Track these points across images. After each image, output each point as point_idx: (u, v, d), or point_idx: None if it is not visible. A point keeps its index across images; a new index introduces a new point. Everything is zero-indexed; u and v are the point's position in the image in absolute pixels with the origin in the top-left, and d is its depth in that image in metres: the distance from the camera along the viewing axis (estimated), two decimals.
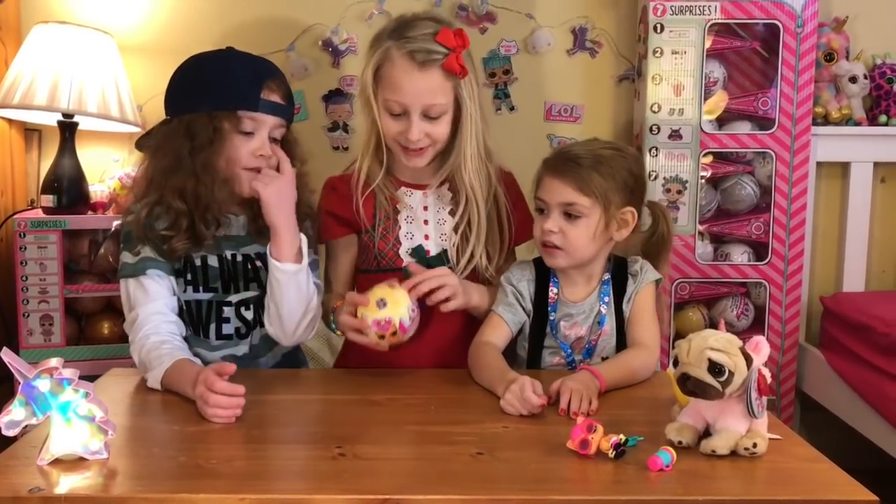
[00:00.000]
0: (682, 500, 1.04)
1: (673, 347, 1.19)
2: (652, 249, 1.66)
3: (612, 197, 1.51)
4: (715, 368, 1.13)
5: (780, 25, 2.23)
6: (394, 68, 1.54)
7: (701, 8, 2.22)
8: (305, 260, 1.52)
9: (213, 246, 1.59)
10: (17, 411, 1.10)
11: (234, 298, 1.61)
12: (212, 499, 1.03)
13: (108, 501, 1.04)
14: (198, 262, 1.59)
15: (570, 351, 1.58)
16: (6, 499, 1.02)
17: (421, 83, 1.53)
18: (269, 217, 1.51)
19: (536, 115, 2.42)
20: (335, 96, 2.39)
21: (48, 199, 2.13)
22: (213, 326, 1.61)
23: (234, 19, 2.35)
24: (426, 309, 1.52)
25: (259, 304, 1.60)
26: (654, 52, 2.23)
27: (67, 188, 2.14)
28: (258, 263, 1.61)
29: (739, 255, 2.34)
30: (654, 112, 2.25)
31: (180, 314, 1.58)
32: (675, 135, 2.25)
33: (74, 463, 1.11)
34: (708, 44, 2.24)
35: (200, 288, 1.60)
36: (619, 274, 1.60)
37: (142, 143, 1.65)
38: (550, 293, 1.59)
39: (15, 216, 2.14)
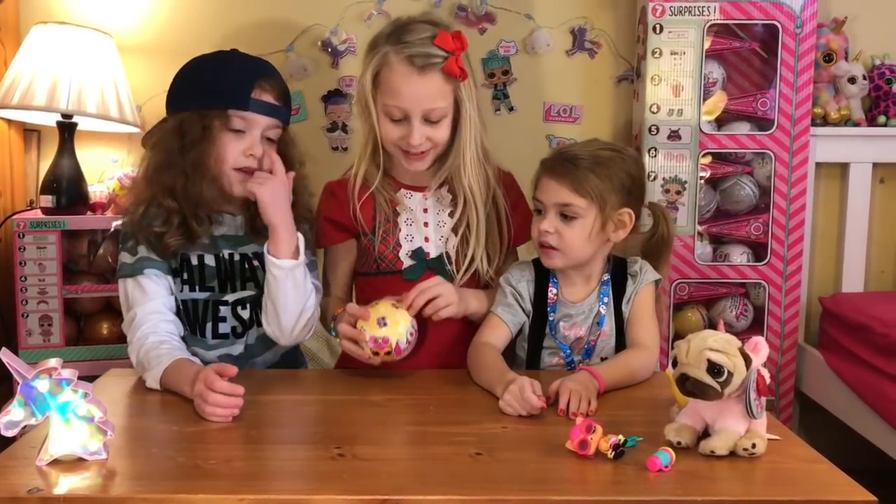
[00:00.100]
0: (680, 501, 1.04)
1: (672, 348, 1.19)
2: (652, 250, 1.66)
3: (608, 198, 1.51)
4: (714, 369, 1.13)
5: (779, 26, 2.24)
6: (393, 73, 1.53)
7: (700, 9, 2.22)
8: (302, 257, 1.52)
9: (210, 245, 1.59)
10: (15, 412, 1.10)
11: (230, 298, 1.61)
12: (211, 499, 1.03)
13: (106, 502, 1.04)
14: (195, 262, 1.59)
15: (569, 351, 1.58)
16: (5, 499, 1.02)
17: (421, 87, 1.53)
18: (267, 216, 1.51)
19: (535, 116, 2.42)
20: (334, 97, 2.39)
21: (47, 200, 2.13)
22: (209, 325, 1.61)
23: (233, 20, 2.35)
24: (424, 322, 1.52)
25: (255, 304, 1.61)
26: (654, 52, 2.23)
27: (66, 188, 2.14)
28: (255, 263, 1.61)
29: (738, 255, 2.34)
30: (654, 113, 2.25)
31: (177, 313, 1.58)
32: (674, 135, 2.26)
33: (73, 463, 1.11)
34: (707, 44, 2.25)
35: (197, 287, 1.60)
36: (618, 274, 1.60)
37: (144, 140, 1.65)
38: (550, 294, 1.59)
39: (14, 216, 2.14)
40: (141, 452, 1.19)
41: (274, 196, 1.51)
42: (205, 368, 1.34)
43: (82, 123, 2.19)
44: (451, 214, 1.66)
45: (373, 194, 1.65)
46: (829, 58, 2.34)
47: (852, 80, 2.34)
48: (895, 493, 1.41)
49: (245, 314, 1.62)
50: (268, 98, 1.56)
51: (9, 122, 2.28)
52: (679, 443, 1.17)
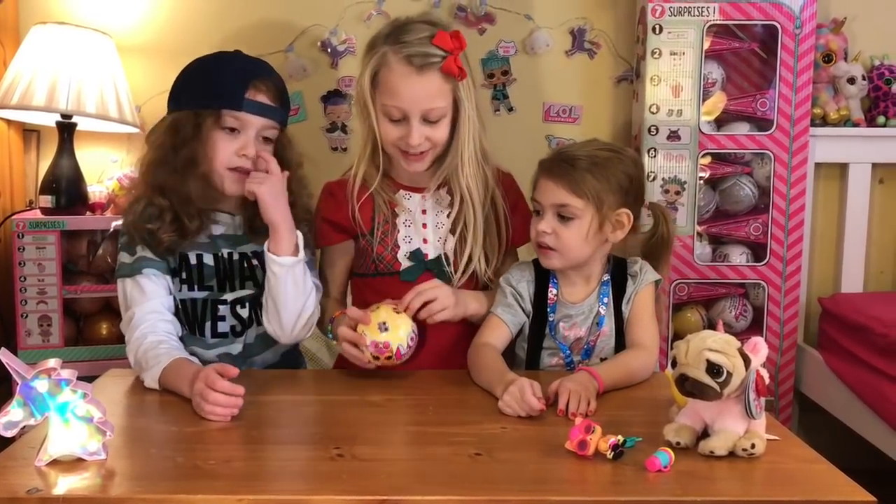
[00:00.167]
0: (680, 501, 1.04)
1: (671, 348, 1.19)
2: (652, 251, 1.66)
3: (605, 198, 1.50)
4: (713, 369, 1.13)
5: (778, 27, 2.24)
6: (391, 73, 1.53)
7: (699, 9, 2.22)
8: (302, 254, 1.52)
9: (209, 244, 1.60)
10: (15, 412, 1.10)
11: (229, 297, 1.61)
12: (210, 499, 1.03)
13: (106, 502, 1.04)
14: (193, 261, 1.59)
15: (568, 352, 1.58)
16: (4, 499, 1.02)
17: (419, 87, 1.53)
18: (267, 215, 1.51)
19: (535, 116, 2.42)
20: (334, 97, 2.39)
21: (46, 200, 2.13)
22: (208, 325, 1.61)
23: (233, 20, 2.35)
24: (424, 323, 1.52)
25: (254, 303, 1.61)
26: (653, 53, 2.23)
27: (66, 189, 2.14)
28: (254, 262, 1.61)
29: (738, 255, 2.34)
30: (653, 113, 2.25)
31: (176, 313, 1.58)
32: (674, 136, 2.26)
33: (72, 464, 1.11)
34: (706, 45, 2.25)
35: (195, 286, 1.60)
36: (618, 275, 1.60)
37: (147, 138, 1.66)
38: (550, 294, 1.59)
39: (13, 217, 2.14)
40: (140, 453, 1.19)
41: (273, 195, 1.51)
42: (205, 368, 1.34)
43: (82, 124, 2.19)
44: (450, 215, 1.66)
45: (372, 195, 1.64)
46: (828, 58, 2.34)
47: (851, 81, 2.34)
48: (894, 494, 1.41)
49: (244, 313, 1.62)
50: (262, 99, 1.56)
51: (8, 122, 2.28)
52: (678, 443, 1.16)
